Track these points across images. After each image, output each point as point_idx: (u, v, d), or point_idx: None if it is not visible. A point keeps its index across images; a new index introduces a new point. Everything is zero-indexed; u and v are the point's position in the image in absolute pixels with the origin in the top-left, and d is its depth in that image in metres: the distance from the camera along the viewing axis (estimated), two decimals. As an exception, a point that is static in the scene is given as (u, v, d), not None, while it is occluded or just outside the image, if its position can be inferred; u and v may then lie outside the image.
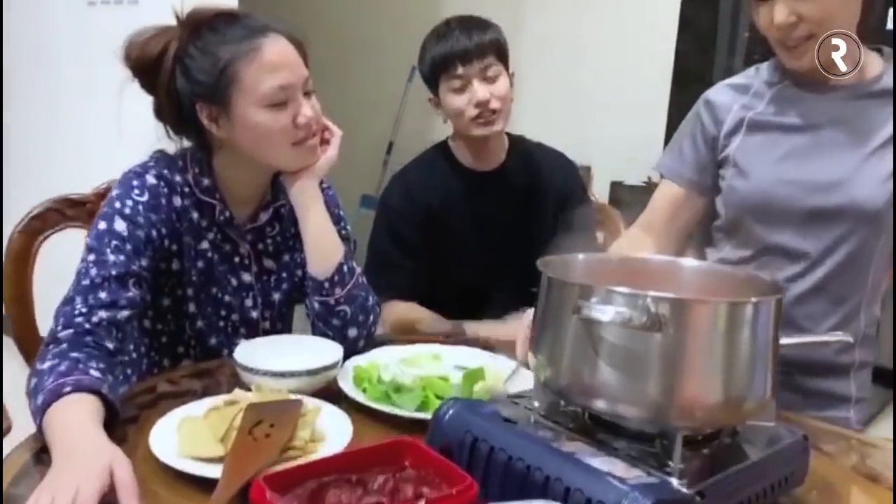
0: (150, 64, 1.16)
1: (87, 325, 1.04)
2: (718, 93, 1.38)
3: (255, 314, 1.30)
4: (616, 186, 3.30)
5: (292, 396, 1.01)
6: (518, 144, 1.74)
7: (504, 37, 1.62)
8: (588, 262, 0.99)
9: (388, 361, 1.17)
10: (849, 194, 1.24)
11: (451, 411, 0.85)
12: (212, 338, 1.27)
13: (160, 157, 1.23)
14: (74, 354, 1.01)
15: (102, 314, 1.06)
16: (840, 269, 1.27)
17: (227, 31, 1.15)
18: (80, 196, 1.39)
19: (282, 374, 1.06)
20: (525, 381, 1.13)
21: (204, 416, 0.96)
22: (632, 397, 0.79)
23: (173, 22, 1.18)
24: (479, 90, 1.57)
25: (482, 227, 1.67)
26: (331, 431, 0.95)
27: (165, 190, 1.19)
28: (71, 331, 1.04)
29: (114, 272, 1.10)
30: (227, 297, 1.26)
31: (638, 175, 3.22)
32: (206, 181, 1.22)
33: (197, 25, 1.16)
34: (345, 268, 1.24)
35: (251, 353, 1.11)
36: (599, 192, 2.89)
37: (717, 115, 1.35)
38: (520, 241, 1.66)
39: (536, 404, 0.91)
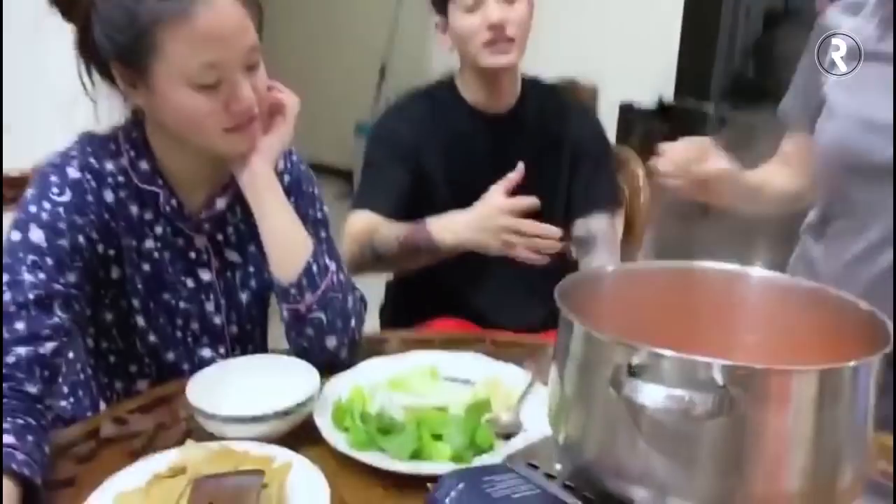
0: None
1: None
2: (829, 15, 1.18)
3: (218, 319, 1.09)
4: (625, 109, 3.03)
5: (253, 448, 0.83)
6: (533, 86, 1.51)
7: None
8: (623, 277, 0.77)
9: (374, 384, 0.98)
10: None
11: (449, 498, 0.66)
12: (168, 352, 1.07)
13: (85, 140, 1.00)
14: None
15: (20, 351, 0.87)
16: None
17: None
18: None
19: (244, 420, 0.87)
20: (541, 402, 0.94)
21: (146, 490, 0.78)
22: (686, 489, 0.60)
23: None
24: (495, 10, 1.34)
25: (487, 176, 1.43)
26: (301, 497, 0.77)
27: (93, 183, 0.97)
28: None
29: (31, 295, 0.89)
30: (182, 304, 1.06)
31: (649, 96, 2.97)
32: (143, 165, 1.00)
33: None
34: (314, 268, 1.02)
35: (207, 388, 0.92)
36: (606, 112, 2.65)
37: (822, 42, 1.17)
38: (529, 195, 1.43)
39: (559, 467, 0.72)
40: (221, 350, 1.11)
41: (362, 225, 1.38)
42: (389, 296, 1.65)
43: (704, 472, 0.59)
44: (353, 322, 1.07)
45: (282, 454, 0.84)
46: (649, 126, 2.89)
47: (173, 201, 1.03)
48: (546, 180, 1.47)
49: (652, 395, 0.56)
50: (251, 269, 1.11)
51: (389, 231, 1.35)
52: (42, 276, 0.91)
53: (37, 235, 0.92)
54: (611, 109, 2.99)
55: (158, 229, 1.03)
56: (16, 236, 0.92)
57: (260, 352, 1.14)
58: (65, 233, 0.94)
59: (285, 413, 0.88)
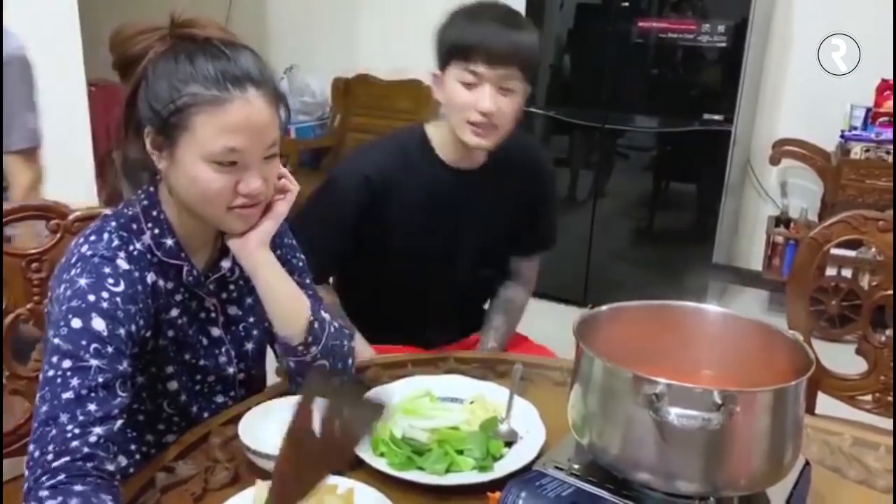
0: (128, 61, 1.05)
1: (85, 449, 0.92)
2: None
3: (231, 369, 1.21)
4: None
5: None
6: (504, 143, 1.52)
7: (537, 44, 1.44)
8: (614, 316, 1.01)
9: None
10: None
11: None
12: (193, 406, 1.18)
13: (115, 229, 1.07)
14: (78, 488, 0.89)
15: (98, 431, 0.94)
16: None
17: (201, 68, 1.01)
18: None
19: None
20: (523, 411, 1.18)
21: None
22: (690, 475, 0.86)
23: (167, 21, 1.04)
24: (488, 100, 1.39)
25: (449, 226, 1.56)
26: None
27: (137, 274, 1.06)
28: (67, 458, 0.91)
29: (100, 379, 0.96)
30: (201, 361, 1.17)
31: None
32: (168, 242, 1.10)
33: (184, 41, 1.03)
34: (315, 324, 1.16)
35: (253, 431, 1.06)
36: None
37: None
38: (485, 241, 1.60)
39: (577, 466, 0.96)
40: (231, 394, 1.23)
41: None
42: None
43: (703, 459, 0.85)
44: (349, 361, 1.23)
45: (340, 481, 1.01)
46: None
47: (194, 272, 1.12)
48: (500, 224, 1.62)
49: (679, 415, 0.81)
50: (251, 319, 1.23)
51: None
52: (105, 361, 0.97)
53: (99, 325, 0.98)
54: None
55: (178, 297, 1.13)
56: (77, 324, 0.98)
57: (262, 389, 1.28)
58: (123, 322, 1.01)
59: (336, 447, 1.04)
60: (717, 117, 3.23)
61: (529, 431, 1.13)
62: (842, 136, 3.35)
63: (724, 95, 3.22)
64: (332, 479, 1.00)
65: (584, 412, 0.93)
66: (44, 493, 0.88)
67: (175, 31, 1.04)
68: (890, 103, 3.31)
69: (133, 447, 1.16)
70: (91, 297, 1.00)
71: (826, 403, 1.63)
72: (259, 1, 4.51)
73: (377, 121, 4.11)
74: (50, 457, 0.91)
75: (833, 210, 2.97)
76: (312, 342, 1.16)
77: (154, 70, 1.03)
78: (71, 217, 1.38)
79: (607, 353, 0.91)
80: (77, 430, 0.93)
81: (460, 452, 1.08)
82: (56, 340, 0.98)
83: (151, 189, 1.12)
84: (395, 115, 3.96)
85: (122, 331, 1.01)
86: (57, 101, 2.18)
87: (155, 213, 1.10)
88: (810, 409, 1.62)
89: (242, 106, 1.01)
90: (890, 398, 1.59)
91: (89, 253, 1.04)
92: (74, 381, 0.95)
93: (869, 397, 1.62)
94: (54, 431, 0.92)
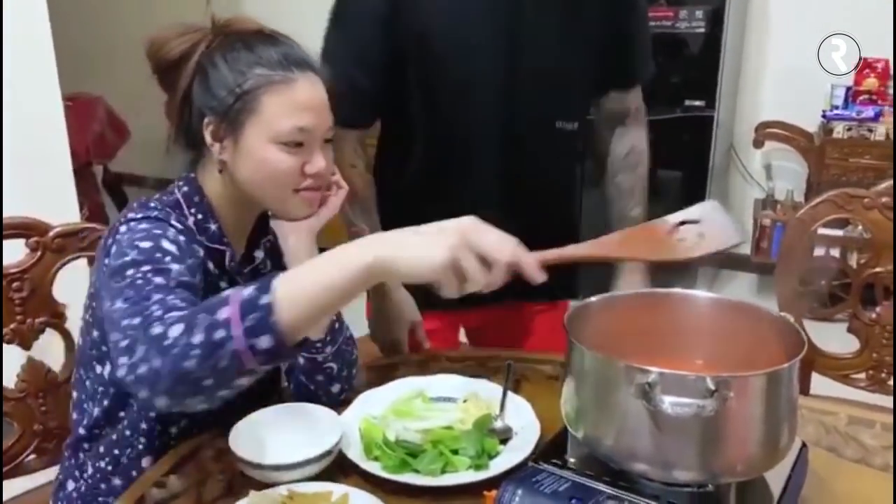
0: (169, 65, 1.07)
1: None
2: None
3: None
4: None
5: (309, 488, 0.98)
6: None
7: None
8: (605, 307, 1.00)
9: (380, 415, 1.15)
10: None
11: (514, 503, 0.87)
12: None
13: (159, 207, 1.06)
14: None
15: (185, 303, 0.92)
16: None
17: (263, 53, 1.05)
18: None
19: (297, 465, 1.01)
20: (517, 407, 1.17)
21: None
22: (687, 464, 0.85)
23: (206, 22, 1.07)
24: None
25: (507, 49, 1.23)
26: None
27: (191, 244, 1.06)
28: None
29: (184, 279, 0.96)
30: None
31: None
32: (212, 227, 1.10)
33: (232, 36, 1.06)
34: (336, 324, 1.18)
35: (244, 441, 1.04)
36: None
37: None
38: (558, 66, 1.26)
39: (572, 459, 0.95)
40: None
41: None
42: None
43: (699, 447, 0.84)
44: (353, 371, 1.23)
45: (335, 488, 0.99)
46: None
47: (236, 258, 1.14)
48: (577, 41, 1.27)
49: (673, 403, 0.80)
50: None
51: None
52: (185, 268, 0.98)
53: (170, 246, 0.99)
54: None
55: (223, 283, 1.12)
56: (146, 244, 0.98)
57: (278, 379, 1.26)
58: (188, 254, 1.01)
59: (329, 452, 1.03)
60: (698, 103, 3.24)
61: (524, 427, 1.12)
62: (823, 116, 3.36)
63: (704, 81, 3.23)
64: (327, 486, 0.99)
65: (577, 405, 0.92)
66: (169, 316, 0.87)
67: (220, 28, 1.07)
68: (870, 80, 3.32)
69: (157, 443, 1.14)
70: (157, 231, 1.01)
71: (820, 383, 1.63)
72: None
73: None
74: (161, 312, 0.88)
75: (818, 190, 2.98)
76: (330, 341, 1.17)
77: (212, 61, 1.05)
78: (51, 234, 1.37)
79: (599, 344, 0.90)
80: (170, 297, 0.92)
81: (455, 452, 1.06)
82: (127, 259, 0.96)
83: (192, 175, 1.12)
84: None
85: (190, 261, 1.00)
86: (33, 117, 2.15)
87: (197, 198, 1.11)
88: (805, 390, 1.61)
89: (308, 85, 1.06)
90: (883, 375, 1.59)
91: (140, 215, 1.03)
92: (158, 279, 0.94)
93: (863, 375, 1.62)
94: (153, 304, 0.90)
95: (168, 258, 0.97)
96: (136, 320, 0.88)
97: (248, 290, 0.85)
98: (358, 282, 0.85)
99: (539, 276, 0.87)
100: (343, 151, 1.32)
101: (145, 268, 0.95)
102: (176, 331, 0.84)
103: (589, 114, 1.43)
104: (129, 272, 0.95)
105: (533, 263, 0.88)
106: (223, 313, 0.83)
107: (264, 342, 0.82)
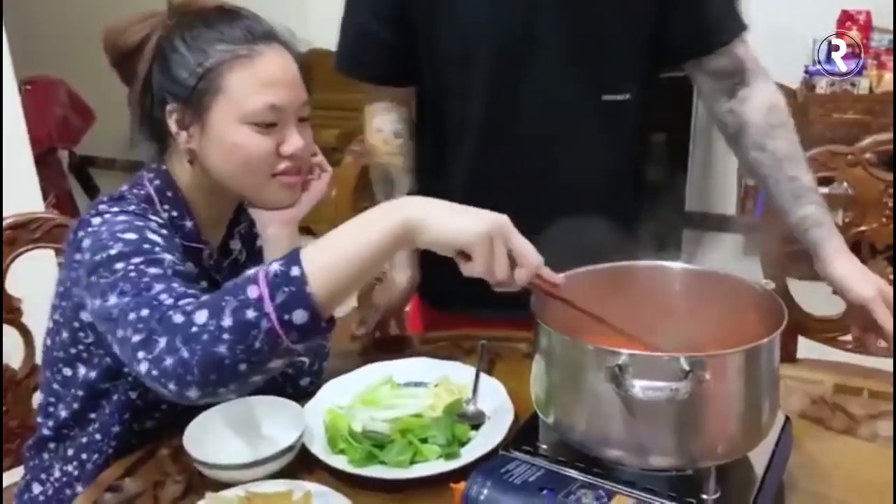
0: (127, 54, 1.01)
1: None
2: None
3: None
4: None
5: (269, 488, 0.93)
6: None
7: None
8: (573, 284, 0.93)
9: (346, 405, 1.10)
10: None
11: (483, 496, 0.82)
12: None
13: (134, 202, 1.00)
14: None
15: (192, 290, 0.89)
16: None
17: (224, 30, 0.98)
18: None
19: (255, 463, 0.95)
20: (490, 389, 1.11)
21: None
22: (663, 448, 0.80)
23: (163, 6, 1.00)
24: None
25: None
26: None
27: (168, 232, 1.00)
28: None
29: (179, 268, 0.92)
30: None
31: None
32: (188, 224, 1.04)
33: (191, 15, 0.99)
34: None
35: (201, 440, 0.99)
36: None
37: None
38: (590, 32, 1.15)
39: (544, 446, 0.90)
40: None
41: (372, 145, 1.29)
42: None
43: (675, 431, 0.79)
44: (324, 364, 1.18)
45: (296, 486, 0.94)
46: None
47: (214, 255, 1.08)
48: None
49: (644, 387, 0.74)
50: None
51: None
52: (177, 257, 0.94)
53: (155, 237, 0.95)
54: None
55: (203, 283, 1.06)
56: (131, 235, 0.93)
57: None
58: (174, 246, 0.97)
59: (289, 449, 0.98)
60: (678, 63, 3.16)
61: (497, 410, 1.07)
62: (806, 72, 3.29)
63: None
64: (286, 485, 0.94)
65: (546, 390, 0.87)
66: (190, 304, 0.83)
67: (178, 9, 1.01)
68: (853, 34, 3.25)
69: (127, 447, 1.08)
70: (139, 222, 0.95)
71: (806, 346, 1.59)
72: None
73: (338, 95, 3.97)
74: (175, 301, 0.85)
75: (802, 147, 2.92)
76: None
77: (171, 44, 0.99)
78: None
79: (567, 325, 0.84)
80: (176, 285, 0.88)
81: (424, 441, 1.01)
82: (112, 252, 0.91)
83: (163, 168, 1.05)
84: (358, 87, 3.82)
85: (176, 253, 0.95)
86: (-14, 105, 2.07)
87: (170, 193, 1.04)
88: (791, 356, 1.57)
89: (277, 58, 0.99)
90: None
91: (116, 209, 0.97)
92: (153, 270, 0.89)
93: (849, 336, 1.58)
94: (160, 295, 0.86)
95: (157, 248, 0.93)
96: (145, 311, 0.84)
97: (274, 265, 0.81)
98: (389, 244, 0.82)
99: (556, 293, 0.85)
100: (370, 112, 1.30)
101: (136, 259, 0.90)
102: (202, 316, 0.80)
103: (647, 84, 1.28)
104: (118, 265, 0.90)
105: (556, 283, 0.86)
106: (252, 292, 0.79)
107: (299, 317, 0.79)
